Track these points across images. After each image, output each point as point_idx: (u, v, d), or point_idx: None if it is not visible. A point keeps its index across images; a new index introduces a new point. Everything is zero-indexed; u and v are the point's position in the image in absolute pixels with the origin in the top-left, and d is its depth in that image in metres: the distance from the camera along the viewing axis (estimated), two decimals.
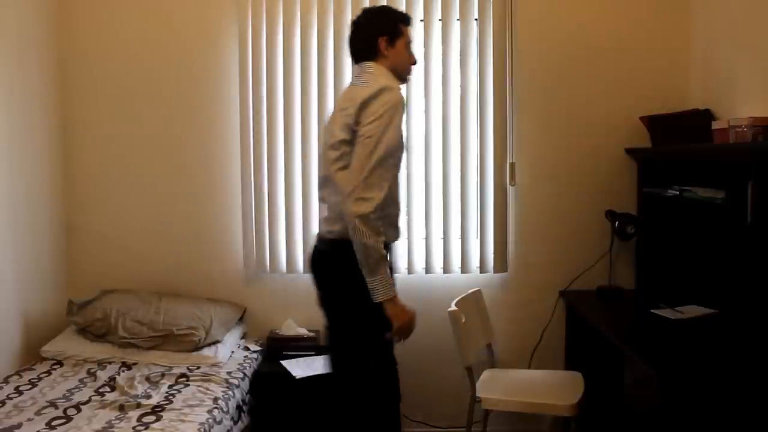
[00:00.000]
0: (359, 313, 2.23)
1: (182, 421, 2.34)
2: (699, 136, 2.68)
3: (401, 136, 2.19)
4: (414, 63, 2.40)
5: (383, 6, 2.44)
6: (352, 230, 2.11)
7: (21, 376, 2.74)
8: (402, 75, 2.36)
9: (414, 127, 3.24)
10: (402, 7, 3.18)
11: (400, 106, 2.16)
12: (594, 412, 2.95)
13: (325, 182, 2.32)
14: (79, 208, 3.39)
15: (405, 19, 2.35)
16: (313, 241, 2.47)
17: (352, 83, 2.35)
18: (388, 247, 2.27)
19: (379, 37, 2.28)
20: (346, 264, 2.18)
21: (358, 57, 2.35)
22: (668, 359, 2.23)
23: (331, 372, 2.45)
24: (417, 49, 3.19)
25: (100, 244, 3.39)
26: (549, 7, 3.20)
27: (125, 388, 2.61)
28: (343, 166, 2.20)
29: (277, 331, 3.25)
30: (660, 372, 2.09)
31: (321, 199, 2.39)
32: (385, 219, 2.19)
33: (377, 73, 2.26)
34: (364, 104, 2.13)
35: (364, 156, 2.11)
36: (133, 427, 2.29)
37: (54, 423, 2.31)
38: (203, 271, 3.37)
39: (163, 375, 2.77)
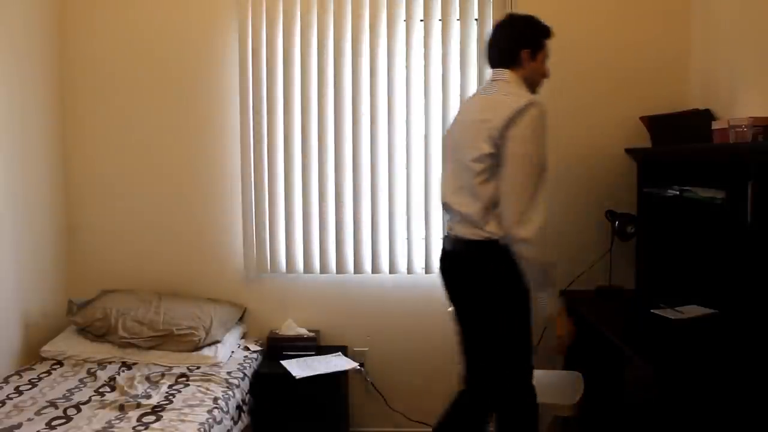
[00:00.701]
0: (507, 312, 2.26)
1: (182, 421, 2.34)
2: (699, 136, 2.67)
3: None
4: (547, 76, 2.42)
5: (530, 17, 2.42)
6: (522, 252, 2.15)
7: (21, 376, 2.74)
8: (534, 87, 2.37)
9: (414, 126, 3.24)
10: (402, 7, 3.19)
11: (546, 121, 2.18)
12: (594, 412, 2.94)
13: (459, 190, 2.31)
14: (79, 208, 3.39)
15: (548, 34, 2.39)
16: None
17: (487, 91, 2.33)
18: None
19: (522, 49, 2.31)
20: (496, 264, 2.23)
21: (495, 62, 2.35)
22: (668, 359, 2.23)
23: (473, 370, 2.47)
24: (417, 49, 3.21)
25: (100, 244, 3.39)
26: (548, 7, 3.18)
27: (125, 388, 2.61)
28: (486, 179, 2.21)
29: (277, 331, 3.25)
30: (660, 372, 2.09)
31: (448, 206, 2.38)
32: None
33: (515, 83, 2.28)
34: (513, 119, 2.13)
35: (524, 176, 2.14)
36: (133, 427, 2.29)
37: (54, 423, 2.31)
38: (203, 271, 3.37)
39: (163, 375, 2.78)
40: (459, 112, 2.46)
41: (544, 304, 2.24)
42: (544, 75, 2.39)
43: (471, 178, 2.24)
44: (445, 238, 2.44)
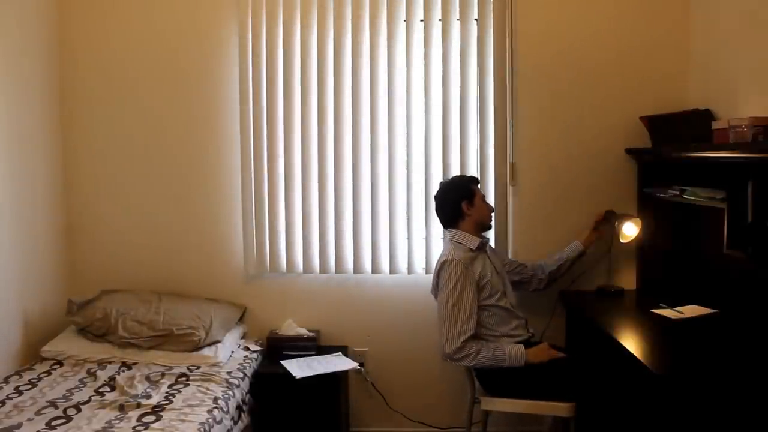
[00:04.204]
0: None
1: (182, 421, 2.34)
2: (699, 136, 2.67)
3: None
4: (492, 211, 2.96)
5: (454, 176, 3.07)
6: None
7: (21, 376, 2.74)
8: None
9: (414, 126, 3.24)
10: (402, 7, 3.19)
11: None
12: (594, 412, 2.94)
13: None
14: (79, 209, 3.39)
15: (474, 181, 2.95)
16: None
17: None
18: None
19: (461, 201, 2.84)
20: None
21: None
22: (668, 359, 2.23)
23: None
24: (417, 49, 3.22)
25: (100, 244, 3.39)
26: (549, 7, 3.20)
27: (125, 388, 2.61)
28: None
29: (277, 331, 3.25)
30: (660, 372, 2.09)
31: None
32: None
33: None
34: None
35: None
36: (133, 427, 2.29)
37: (54, 423, 2.31)
38: (203, 271, 3.37)
39: (163, 375, 2.77)
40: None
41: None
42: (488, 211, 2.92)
43: None
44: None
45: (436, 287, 2.81)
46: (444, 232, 3.03)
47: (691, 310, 2.67)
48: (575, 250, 3.06)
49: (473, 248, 2.79)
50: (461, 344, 2.64)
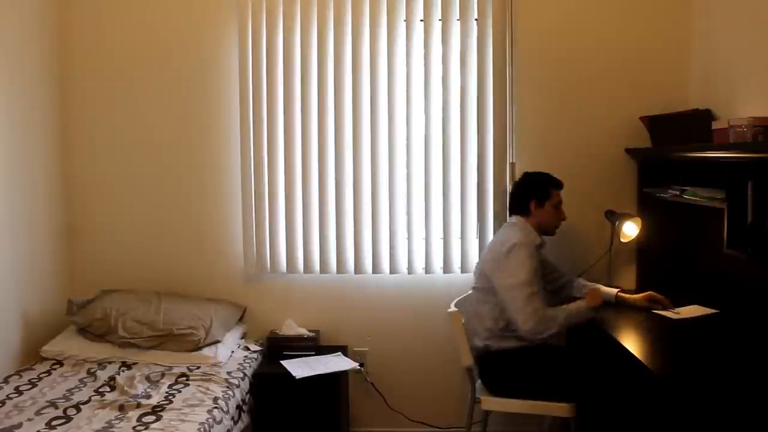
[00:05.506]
0: None
1: (182, 421, 2.34)
2: (699, 136, 2.68)
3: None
4: (563, 219, 2.90)
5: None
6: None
7: (21, 376, 2.74)
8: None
9: (414, 126, 3.24)
10: (402, 7, 3.19)
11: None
12: (594, 412, 2.94)
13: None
14: (79, 209, 3.39)
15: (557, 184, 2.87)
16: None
17: None
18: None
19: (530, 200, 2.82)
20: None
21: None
22: (668, 359, 2.23)
23: None
24: (417, 49, 3.22)
25: (100, 245, 3.39)
26: (549, 7, 3.20)
27: (125, 388, 2.61)
28: None
29: (277, 331, 3.25)
30: (660, 372, 2.09)
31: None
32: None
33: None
34: None
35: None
36: (133, 427, 2.29)
37: (54, 423, 2.31)
38: (203, 271, 3.37)
39: (163, 375, 2.77)
40: None
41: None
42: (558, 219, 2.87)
43: None
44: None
45: (498, 265, 2.73)
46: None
47: (691, 310, 2.67)
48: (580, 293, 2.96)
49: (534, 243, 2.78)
50: (539, 317, 2.61)
